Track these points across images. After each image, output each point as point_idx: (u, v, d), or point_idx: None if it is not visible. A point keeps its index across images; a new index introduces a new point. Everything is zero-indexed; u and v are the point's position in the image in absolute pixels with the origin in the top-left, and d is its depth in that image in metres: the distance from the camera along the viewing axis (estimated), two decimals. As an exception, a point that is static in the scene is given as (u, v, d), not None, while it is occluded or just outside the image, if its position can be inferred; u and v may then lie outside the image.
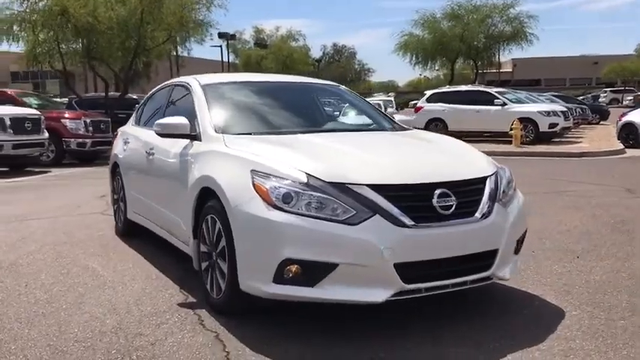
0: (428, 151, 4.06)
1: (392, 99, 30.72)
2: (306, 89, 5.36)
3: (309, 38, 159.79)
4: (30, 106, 14.30)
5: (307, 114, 4.93)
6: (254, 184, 3.38)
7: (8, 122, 12.36)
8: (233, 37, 40.73)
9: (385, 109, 20.86)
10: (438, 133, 16.23)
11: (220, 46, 43.59)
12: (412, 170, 3.53)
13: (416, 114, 20.91)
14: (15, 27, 17.16)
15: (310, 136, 4.23)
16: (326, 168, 3.41)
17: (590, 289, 4.24)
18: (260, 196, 3.33)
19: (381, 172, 3.44)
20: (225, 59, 43.70)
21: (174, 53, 21.36)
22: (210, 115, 4.44)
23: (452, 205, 3.38)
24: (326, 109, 5.34)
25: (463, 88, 21.41)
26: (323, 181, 3.31)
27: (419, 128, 20.54)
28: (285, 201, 3.27)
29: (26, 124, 12.65)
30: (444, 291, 3.45)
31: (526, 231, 3.99)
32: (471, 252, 3.46)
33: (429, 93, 21.73)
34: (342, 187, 3.28)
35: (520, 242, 3.88)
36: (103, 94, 18.87)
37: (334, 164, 3.49)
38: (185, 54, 26.31)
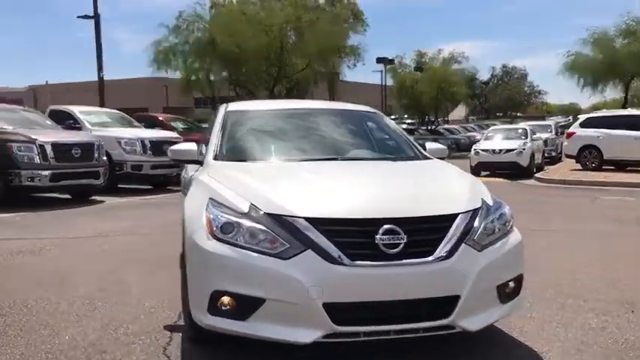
0: (403, 183, 3.75)
1: (552, 124, 28.70)
2: (337, 116, 5.24)
3: (480, 60, 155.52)
4: (175, 130, 15.51)
5: (324, 142, 4.80)
6: (205, 213, 3.38)
7: (148, 144, 13.53)
8: (391, 61, 41.02)
9: (533, 133, 19.54)
10: (591, 161, 14.96)
11: (381, 71, 44.23)
12: (363, 204, 3.30)
13: (567, 140, 19.47)
14: (171, 57, 18.83)
15: (303, 164, 4.14)
16: (269, 198, 3.31)
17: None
18: (206, 225, 3.31)
19: (327, 204, 3.26)
20: (385, 83, 44.19)
21: (316, 80, 21.82)
22: (219, 141, 4.52)
23: (399, 244, 3.09)
24: (360, 136, 5.13)
25: (622, 112, 19.48)
26: (261, 211, 3.22)
27: (571, 156, 19.17)
28: (224, 231, 3.22)
29: (164, 147, 13.74)
30: (389, 337, 3.16)
31: (519, 277, 3.52)
32: (422, 296, 3.14)
33: (582, 117, 20.08)
34: (279, 219, 3.16)
35: (505, 289, 3.44)
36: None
37: (280, 195, 3.36)
38: (345, 78, 26.93)
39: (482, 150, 18.60)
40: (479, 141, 20.71)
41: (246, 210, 3.25)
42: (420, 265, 3.13)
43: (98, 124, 14.69)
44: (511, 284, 3.50)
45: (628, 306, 4.56)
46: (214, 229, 3.25)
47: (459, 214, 3.31)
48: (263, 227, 3.15)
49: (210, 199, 3.45)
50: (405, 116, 47.96)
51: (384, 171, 4.07)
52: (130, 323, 4.18)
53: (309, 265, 3.03)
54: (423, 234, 3.20)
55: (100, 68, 20.33)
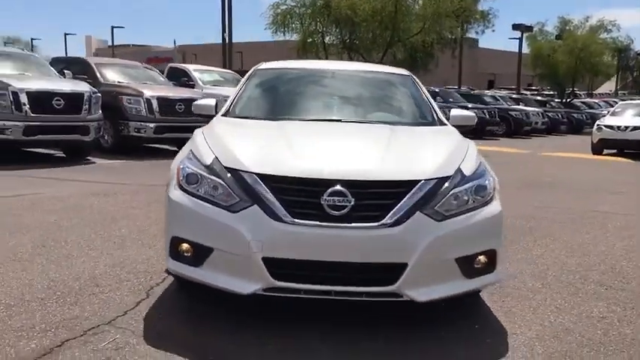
0: (376, 147, 3.63)
1: None
2: (361, 78, 5.15)
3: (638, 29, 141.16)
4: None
5: (333, 103, 4.77)
6: (178, 164, 3.55)
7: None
8: (529, 28, 38.73)
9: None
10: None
11: (519, 39, 41.97)
12: (317, 164, 3.27)
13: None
14: (289, 19, 19.18)
15: (293, 124, 4.17)
16: (231, 153, 3.39)
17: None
18: (176, 175, 3.49)
19: (282, 162, 3.29)
20: (522, 51, 41.91)
21: (431, 45, 21.18)
22: (235, 98, 4.67)
23: (345, 207, 3.07)
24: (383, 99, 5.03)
25: None
26: (221, 165, 3.32)
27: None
28: (189, 181, 3.37)
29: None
30: (330, 297, 3.17)
31: (490, 252, 3.34)
32: (366, 261, 3.11)
33: None
34: (235, 173, 3.24)
35: (470, 263, 3.29)
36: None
37: (242, 150, 3.43)
38: (481, 45, 25.79)
39: (606, 126, 17.20)
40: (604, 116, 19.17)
41: (209, 162, 3.37)
42: (364, 229, 3.08)
43: (210, 82, 15.39)
44: (481, 259, 3.34)
45: (653, 299, 4.16)
46: (180, 179, 3.40)
47: (419, 180, 3.20)
48: (220, 180, 3.25)
49: (190, 151, 3.61)
50: (548, 88, 45.26)
51: (371, 135, 3.98)
52: (139, 263, 4.49)
53: (253, 219, 3.10)
54: (373, 198, 3.14)
55: (224, 30, 21.23)
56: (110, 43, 57.02)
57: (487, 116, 22.53)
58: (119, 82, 12.59)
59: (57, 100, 10.11)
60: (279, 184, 3.15)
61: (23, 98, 9.70)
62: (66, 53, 46.47)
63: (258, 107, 4.68)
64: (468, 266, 3.29)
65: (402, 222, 3.09)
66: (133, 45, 66.26)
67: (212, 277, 3.26)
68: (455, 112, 4.72)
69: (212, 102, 4.72)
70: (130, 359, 2.94)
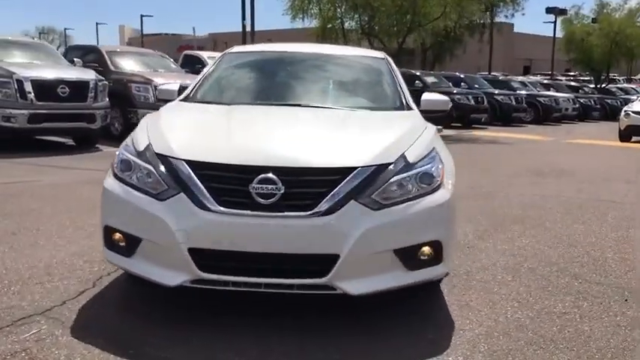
0: (318, 133, 3.47)
1: None
2: (332, 62, 4.97)
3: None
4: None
5: (295, 87, 4.60)
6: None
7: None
8: (563, 11, 37.64)
9: None
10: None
11: (554, 22, 40.92)
12: (249, 150, 3.14)
13: None
14: (306, 5, 18.94)
15: (242, 108, 4.06)
16: (164, 138, 3.28)
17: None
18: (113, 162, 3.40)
19: (212, 148, 3.17)
20: (556, 35, 40.86)
21: (454, 31, 20.66)
22: (198, 82, 4.57)
23: (274, 195, 2.93)
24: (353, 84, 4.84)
25: None
26: (153, 151, 3.21)
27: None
28: (122, 169, 3.28)
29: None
30: (260, 290, 3.05)
31: (435, 243, 3.16)
32: (296, 252, 2.97)
33: None
34: (165, 160, 3.14)
35: (412, 254, 3.12)
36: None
37: (175, 136, 3.32)
38: (516, 30, 25.18)
39: (635, 112, 16.57)
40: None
41: (142, 149, 3.27)
42: (295, 219, 2.94)
43: (225, 68, 15.33)
44: (424, 250, 3.17)
45: (627, 294, 3.91)
46: (115, 166, 3.31)
47: (355, 168, 3.03)
48: (151, 167, 3.15)
49: (130, 137, 3.52)
50: (587, 73, 44.05)
51: (323, 120, 3.81)
52: (101, 253, 4.40)
53: (179, 208, 2.99)
54: (304, 186, 2.99)
55: (243, 17, 21.15)
56: (144, 32, 57.65)
57: (514, 102, 22.00)
58: (129, 70, 12.62)
59: (62, 88, 10.15)
60: (207, 171, 3.03)
61: (28, 86, 9.75)
62: (97, 42, 47.09)
63: (220, 92, 4.56)
64: (409, 258, 3.12)
65: (334, 211, 2.94)
66: (165, 34, 66.84)
67: (142, 267, 3.17)
68: (426, 96, 4.52)
69: (175, 87, 4.62)
70: (48, 351, 2.87)
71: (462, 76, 23.38)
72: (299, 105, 4.18)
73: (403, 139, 3.40)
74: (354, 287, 3.01)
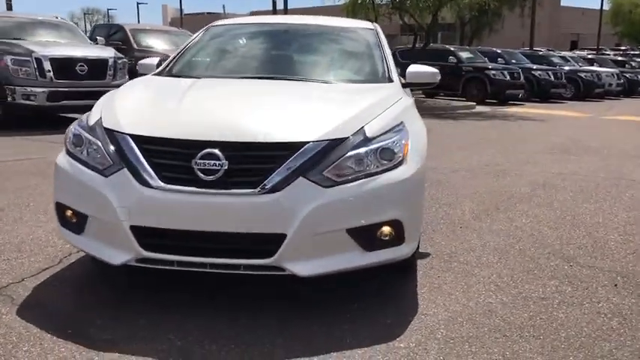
0: (274, 106, 3.28)
1: None
2: (316, 33, 4.75)
3: None
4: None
5: (273, 60, 4.42)
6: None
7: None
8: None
9: None
10: None
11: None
12: (194, 124, 2.99)
13: None
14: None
15: (214, 82, 3.93)
16: (114, 112, 3.17)
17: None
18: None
19: (159, 123, 3.04)
20: (603, 8, 39.27)
21: (488, 5, 19.88)
22: (176, 56, 4.46)
23: (218, 171, 2.79)
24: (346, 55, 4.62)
25: None
26: (101, 126, 3.11)
27: None
28: (74, 143, 3.19)
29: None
30: (206, 270, 2.92)
31: (395, 222, 2.97)
32: (241, 230, 2.82)
33: None
34: (111, 134, 3.03)
35: (370, 234, 2.94)
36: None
37: (125, 109, 3.21)
38: (563, 2, 24.27)
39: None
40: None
41: (92, 123, 3.17)
42: (239, 196, 2.79)
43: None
44: (384, 230, 2.98)
45: (619, 279, 3.65)
46: (67, 141, 3.23)
47: (306, 142, 2.86)
48: (98, 142, 3.04)
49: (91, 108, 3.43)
50: (638, 47, 42.28)
51: (287, 94, 3.62)
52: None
53: (121, 184, 2.88)
54: (249, 162, 2.84)
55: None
56: (186, 12, 58.06)
57: (552, 78, 21.21)
58: (153, 47, 12.64)
59: (81, 65, 10.21)
60: (151, 145, 2.91)
61: (47, 65, 9.84)
62: (138, 22, 47.62)
63: (195, 65, 4.42)
64: (366, 238, 2.95)
65: (281, 188, 2.78)
66: (207, 13, 67.16)
67: (91, 245, 3.08)
68: (412, 68, 4.28)
69: (154, 61, 4.50)
70: (-13, 329, 2.81)
71: (498, 51, 22.67)
72: (272, 78, 4.01)
73: (366, 112, 3.20)
74: (304, 268, 2.85)
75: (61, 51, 10.29)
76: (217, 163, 2.79)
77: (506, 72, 19.12)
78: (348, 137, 2.96)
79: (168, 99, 3.40)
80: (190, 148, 2.84)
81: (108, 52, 10.84)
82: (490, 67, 19.31)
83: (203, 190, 2.80)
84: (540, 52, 26.70)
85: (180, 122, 3.02)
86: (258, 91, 3.68)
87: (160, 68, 4.37)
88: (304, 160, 2.83)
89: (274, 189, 2.78)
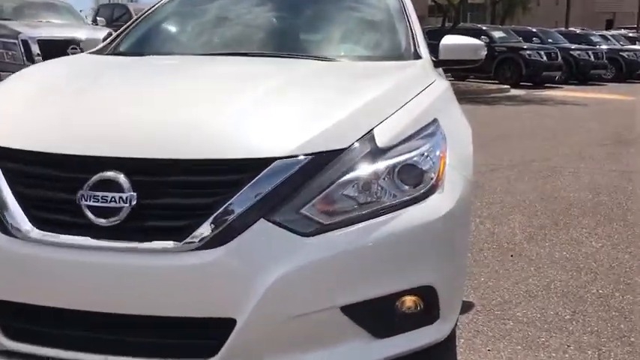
0: (235, 99, 2.03)
1: None
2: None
3: None
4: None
5: (260, 31, 3.19)
6: None
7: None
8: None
9: None
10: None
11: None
12: (87, 131, 1.82)
13: None
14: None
15: (163, 62, 2.77)
16: None
17: None
18: None
19: (38, 129, 1.87)
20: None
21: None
22: (128, 29, 3.29)
23: (119, 210, 1.62)
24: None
25: None
26: None
27: None
28: None
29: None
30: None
31: (423, 290, 1.78)
32: (161, 313, 1.66)
33: None
34: None
35: (379, 312, 1.76)
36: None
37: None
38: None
39: None
40: None
41: None
42: (154, 254, 1.63)
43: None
44: (406, 301, 1.79)
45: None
46: None
47: (272, 159, 1.67)
48: None
49: None
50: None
51: (254, 77, 2.38)
52: None
53: (-27, 231, 1.72)
54: (172, 194, 1.66)
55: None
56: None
57: (592, 58, 19.62)
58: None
59: (73, 48, 9.15)
60: (16, 164, 1.75)
61: (34, 47, 8.88)
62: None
63: (152, 39, 3.23)
64: (375, 318, 1.77)
65: (226, 240, 1.61)
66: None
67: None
68: (447, 39, 3.05)
69: (101, 34, 3.35)
70: None
71: (534, 30, 21.12)
72: (247, 54, 2.82)
73: (378, 104, 2.00)
74: (267, 374, 1.67)
75: (51, 32, 9.34)
76: (118, 196, 1.62)
77: (542, 52, 17.66)
78: (345, 149, 1.76)
79: (72, 91, 2.20)
80: (75, 171, 1.68)
81: (101, 33, 9.78)
82: (525, 47, 17.86)
83: (95, 242, 1.63)
84: (577, 31, 24.98)
85: (69, 128, 1.85)
86: (211, 74, 2.47)
87: (104, 43, 3.20)
88: (269, 190, 1.65)
89: (215, 241, 1.61)
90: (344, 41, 3.08)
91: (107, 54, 3.02)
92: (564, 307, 2.82)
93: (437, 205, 1.80)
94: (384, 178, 1.77)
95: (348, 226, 1.70)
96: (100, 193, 1.63)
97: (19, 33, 8.90)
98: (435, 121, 2.00)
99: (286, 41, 3.01)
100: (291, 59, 2.66)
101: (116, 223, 1.63)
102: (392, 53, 2.89)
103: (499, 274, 3.18)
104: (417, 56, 2.84)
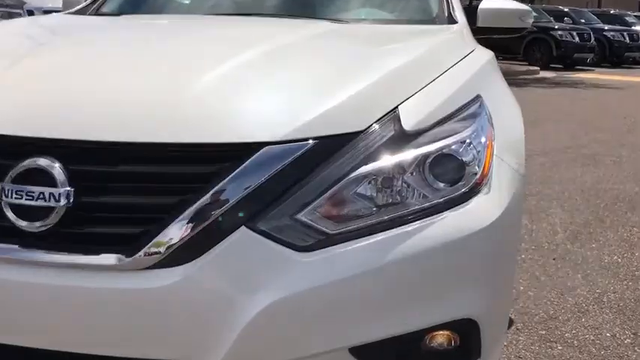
0: (216, 62, 1.55)
1: None
2: None
3: None
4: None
5: None
6: None
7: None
8: None
9: None
10: None
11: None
12: (17, 105, 1.36)
13: None
14: None
15: (139, 22, 2.29)
16: None
17: None
18: None
19: None
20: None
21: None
22: None
23: (50, 211, 1.19)
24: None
25: None
26: None
27: None
28: None
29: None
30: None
31: (459, 326, 1.33)
32: (101, 353, 1.22)
33: None
34: None
35: (401, 352, 1.31)
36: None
37: None
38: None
39: None
40: None
41: None
42: (95, 271, 1.20)
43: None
44: (438, 338, 1.34)
45: None
46: None
47: (259, 145, 1.22)
48: None
49: None
50: None
51: (247, 40, 1.89)
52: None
53: None
54: (123, 190, 1.22)
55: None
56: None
57: (627, 40, 18.80)
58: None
59: None
60: None
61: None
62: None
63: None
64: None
65: (194, 256, 1.17)
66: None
67: None
68: (486, 3, 2.56)
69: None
70: None
71: (565, 9, 20.27)
72: (246, 14, 2.35)
73: (403, 76, 1.53)
74: None
75: (57, 2, 8.86)
76: (49, 193, 1.19)
77: (574, 33, 16.92)
78: (359, 132, 1.30)
79: (19, 56, 1.74)
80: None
81: None
82: (556, 27, 17.12)
83: (20, 252, 1.20)
84: (612, 11, 24.02)
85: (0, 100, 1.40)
86: (195, 37, 1.98)
87: (88, 2, 2.75)
88: (254, 188, 1.19)
89: (176, 257, 1.17)
90: (363, 1, 2.59)
91: (89, 14, 2.57)
92: (622, 327, 2.34)
93: (482, 210, 1.34)
94: (411, 173, 1.31)
95: (361, 237, 1.25)
96: (26, 187, 1.20)
97: (24, 3, 8.80)
98: (477, 97, 1.53)
99: (293, 1, 2.52)
100: (295, 20, 2.18)
101: (45, 228, 1.19)
102: (421, 16, 2.41)
103: (541, 282, 2.71)
104: (451, 20, 2.36)
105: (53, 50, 1.76)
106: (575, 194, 4.20)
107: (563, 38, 16.60)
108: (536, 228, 3.45)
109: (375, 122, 1.32)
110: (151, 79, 1.42)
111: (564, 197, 4.11)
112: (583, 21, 19.28)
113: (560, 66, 16.72)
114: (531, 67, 15.50)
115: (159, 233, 1.17)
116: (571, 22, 18.87)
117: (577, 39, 16.81)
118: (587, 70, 16.83)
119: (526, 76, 14.21)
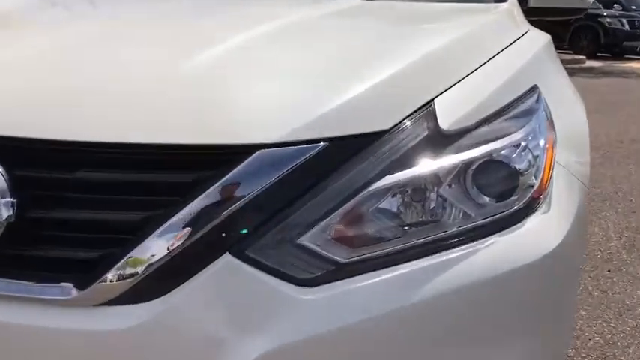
0: (203, 46, 1.26)
1: None
2: None
3: None
4: None
5: None
6: None
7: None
8: None
9: None
10: None
11: None
12: None
13: None
14: None
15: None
16: None
17: None
18: None
19: None
20: None
21: None
22: None
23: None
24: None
25: None
26: None
27: None
28: None
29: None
30: None
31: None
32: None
33: None
34: None
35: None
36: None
37: None
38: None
39: None
40: None
41: None
42: (41, 306, 0.94)
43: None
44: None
45: None
46: None
47: (252, 148, 0.94)
48: None
49: None
50: None
51: (244, 20, 1.62)
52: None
53: None
54: (80, 203, 0.95)
55: None
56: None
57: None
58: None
59: None
60: None
61: None
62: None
63: None
64: None
65: (166, 289, 0.91)
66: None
67: None
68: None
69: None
70: None
71: (615, -6, 19.42)
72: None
73: (441, 62, 1.23)
74: None
75: None
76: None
77: (624, 20, 16.19)
78: (384, 132, 1.00)
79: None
80: None
81: None
82: (605, 13, 16.38)
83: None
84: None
85: None
86: (185, 16, 1.71)
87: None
88: (244, 202, 0.92)
89: (143, 290, 0.91)
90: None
91: None
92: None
93: (539, 234, 1.04)
94: (449, 184, 1.02)
95: (383, 268, 0.96)
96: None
97: None
98: (534, 89, 1.23)
99: None
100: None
101: (-15, 251, 0.94)
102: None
103: (594, 299, 2.39)
104: (499, -1, 2.03)
105: (23, 33, 1.50)
106: (629, 194, 3.83)
107: (612, 26, 15.93)
108: (588, 234, 3.10)
109: (404, 119, 1.03)
110: (121, 68, 1.14)
111: (617, 198, 3.75)
112: (634, 7, 18.42)
113: (607, 55, 16.01)
114: (577, 56, 14.90)
115: (121, 259, 0.91)
116: (621, 8, 18.06)
117: (627, 26, 16.09)
118: (637, 59, 16.09)
119: (572, 65, 13.62)
